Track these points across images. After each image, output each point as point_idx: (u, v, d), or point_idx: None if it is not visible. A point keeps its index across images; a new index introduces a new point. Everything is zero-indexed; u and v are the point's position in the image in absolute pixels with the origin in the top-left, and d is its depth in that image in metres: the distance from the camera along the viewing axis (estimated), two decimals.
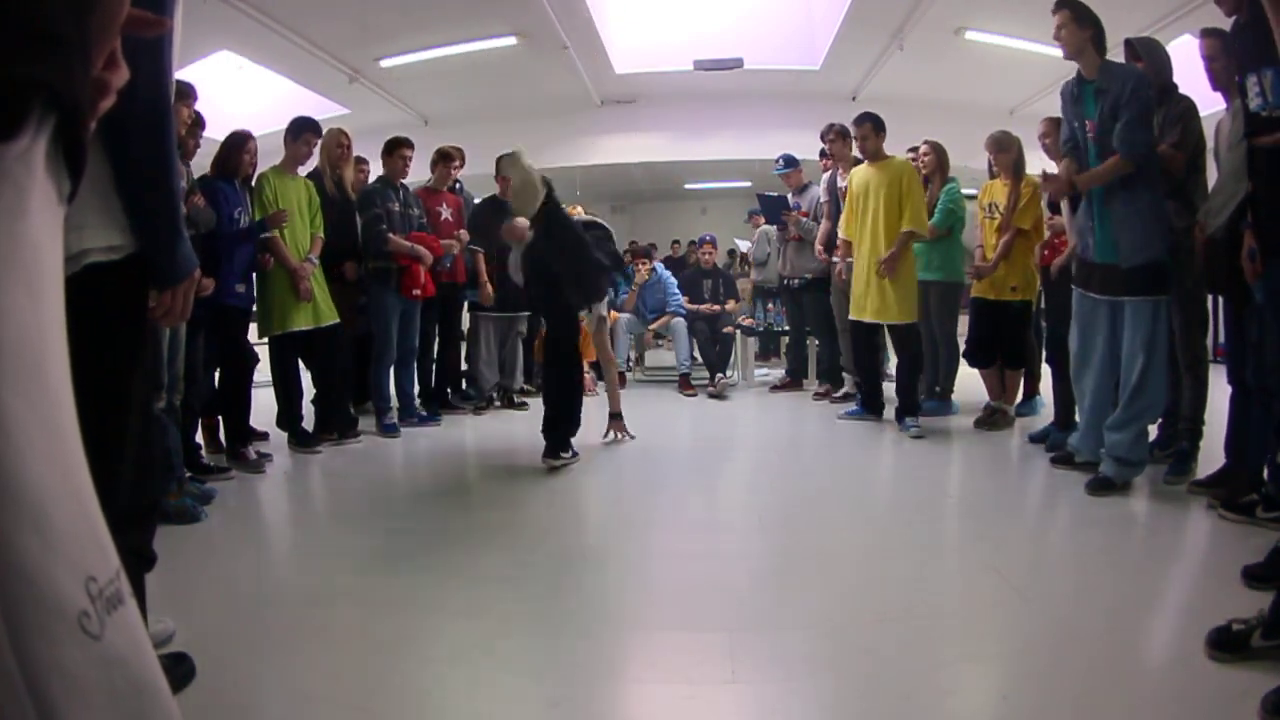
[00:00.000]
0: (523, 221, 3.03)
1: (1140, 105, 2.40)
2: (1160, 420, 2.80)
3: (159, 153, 0.99)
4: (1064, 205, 2.85)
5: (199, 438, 3.16)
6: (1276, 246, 1.73)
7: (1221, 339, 3.63)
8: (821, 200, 4.76)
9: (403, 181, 3.95)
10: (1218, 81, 2.36)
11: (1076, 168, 2.53)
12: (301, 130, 3.47)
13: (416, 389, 4.19)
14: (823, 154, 4.87)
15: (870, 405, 4.04)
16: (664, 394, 5.25)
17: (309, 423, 3.57)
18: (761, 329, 5.94)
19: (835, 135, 4.55)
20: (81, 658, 0.53)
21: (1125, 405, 2.52)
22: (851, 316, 3.92)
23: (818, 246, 4.73)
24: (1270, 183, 1.69)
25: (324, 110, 6.27)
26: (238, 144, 3.12)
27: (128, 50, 0.65)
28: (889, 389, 4.18)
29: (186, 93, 2.65)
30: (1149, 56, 2.60)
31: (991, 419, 3.79)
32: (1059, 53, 2.55)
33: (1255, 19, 1.67)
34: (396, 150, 3.91)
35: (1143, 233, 2.45)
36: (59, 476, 0.54)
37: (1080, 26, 2.45)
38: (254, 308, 3.34)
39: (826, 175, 4.73)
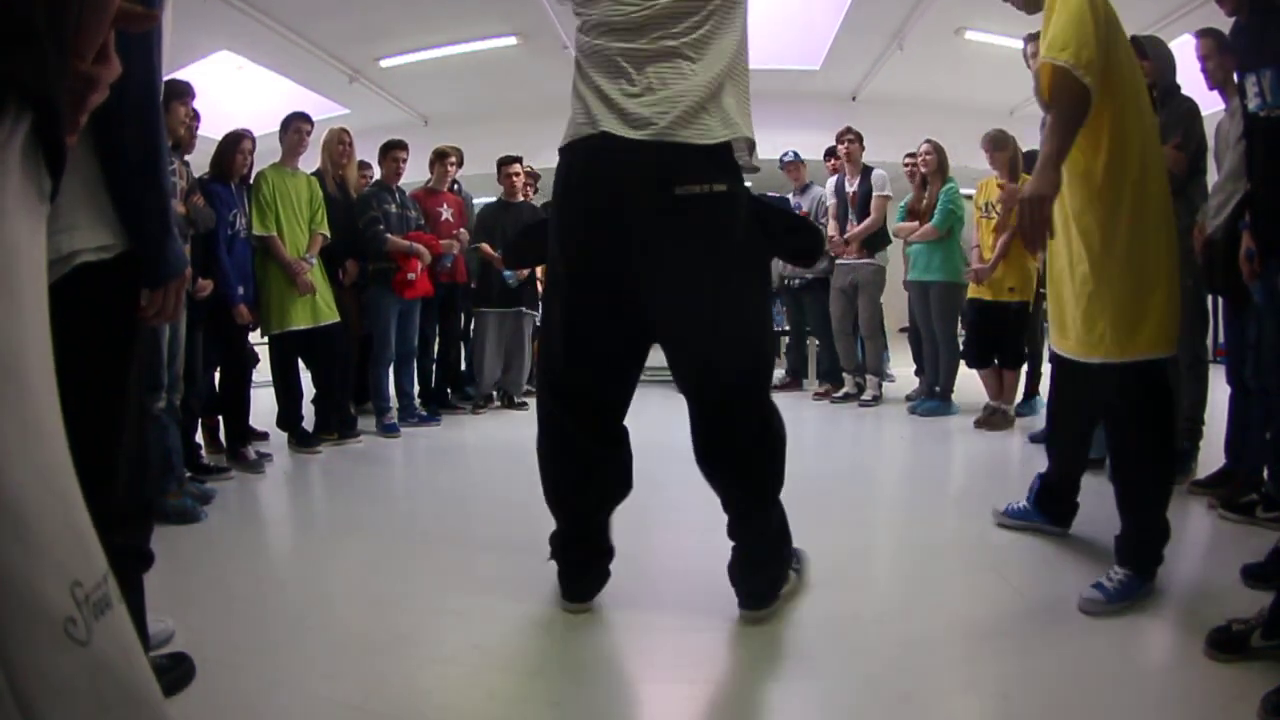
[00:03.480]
0: None
1: None
2: None
3: (150, 149, 0.98)
4: None
5: (199, 438, 3.16)
6: (1273, 246, 1.74)
7: (1221, 339, 3.63)
8: (828, 203, 4.76)
9: (398, 185, 3.97)
10: (1213, 80, 2.39)
11: None
12: (291, 121, 3.50)
13: (416, 389, 4.20)
14: (829, 154, 4.87)
15: (1055, 506, 2.12)
16: (664, 394, 5.25)
17: (309, 423, 3.57)
18: None
19: (854, 138, 4.56)
20: (68, 664, 0.52)
21: None
22: (1076, 354, 1.77)
23: (823, 263, 4.70)
24: (1267, 183, 1.69)
25: (324, 110, 6.26)
26: (231, 144, 3.13)
27: (119, 45, 0.64)
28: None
29: (185, 91, 2.65)
30: (1154, 56, 2.60)
31: (991, 419, 3.79)
32: None
33: (1255, 20, 1.68)
34: (390, 153, 3.95)
35: None
36: (41, 481, 0.53)
37: None
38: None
39: (834, 178, 4.73)
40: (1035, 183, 1.52)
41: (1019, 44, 5.71)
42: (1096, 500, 2.47)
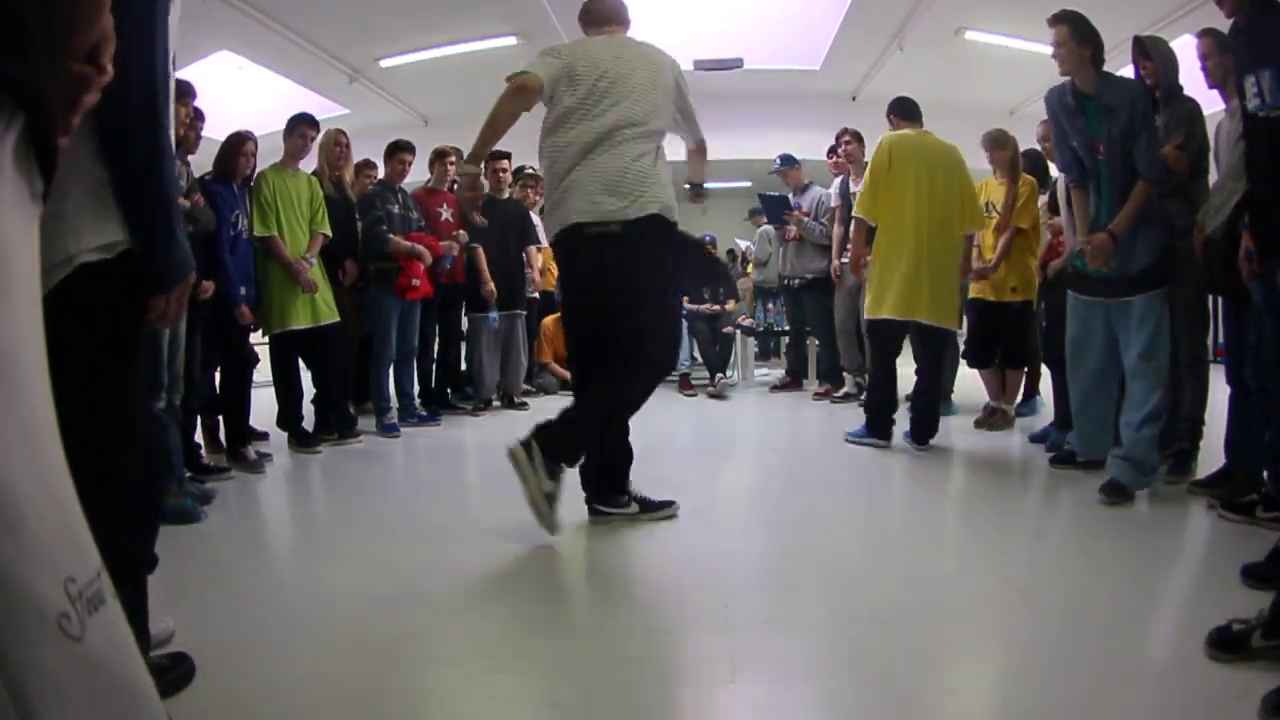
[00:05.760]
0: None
1: (1151, 122, 2.39)
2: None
3: (152, 152, 0.98)
4: (1062, 206, 2.84)
5: (199, 438, 3.16)
6: (1273, 246, 1.74)
7: (1221, 339, 3.63)
8: (833, 204, 4.75)
9: (401, 185, 3.98)
10: (1212, 79, 2.39)
11: (1093, 205, 2.50)
12: (296, 125, 3.50)
13: (416, 389, 4.20)
14: (830, 152, 4.87)
15: (879, 426, 3.43)
16: (664, 394, 5.25)
17: (309, 423, 3.57)
18: (761, 329, 5.95)
19: (851, 137, 4.56)
20: (61, 660, 0.52)
21: (1142, 404, 2.42)
22: (890, 314, 3.26)
23: (835, 262, 4.69)
24: (1267, 183, 1.69)
25: (324, 110, 6.26)
26: (234, 146, 3.13)
27: (120, 45, 0.63)
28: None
29: (185, 92, 2.65)
30: (1157, 56, 2.59)
31: (991, 419, 3.79)
32: None
33: (1254, 20, 1.68)
34: (396, 154, 3.96)
35: (1146, 239, 2.43)
36: (34, 478, 0.53)
37: (1080, 44, 2.36)
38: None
39: (838, 179, 4.74)
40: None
41: (1019, 44, 5.78)
42: (1095, 503, 2.48)
